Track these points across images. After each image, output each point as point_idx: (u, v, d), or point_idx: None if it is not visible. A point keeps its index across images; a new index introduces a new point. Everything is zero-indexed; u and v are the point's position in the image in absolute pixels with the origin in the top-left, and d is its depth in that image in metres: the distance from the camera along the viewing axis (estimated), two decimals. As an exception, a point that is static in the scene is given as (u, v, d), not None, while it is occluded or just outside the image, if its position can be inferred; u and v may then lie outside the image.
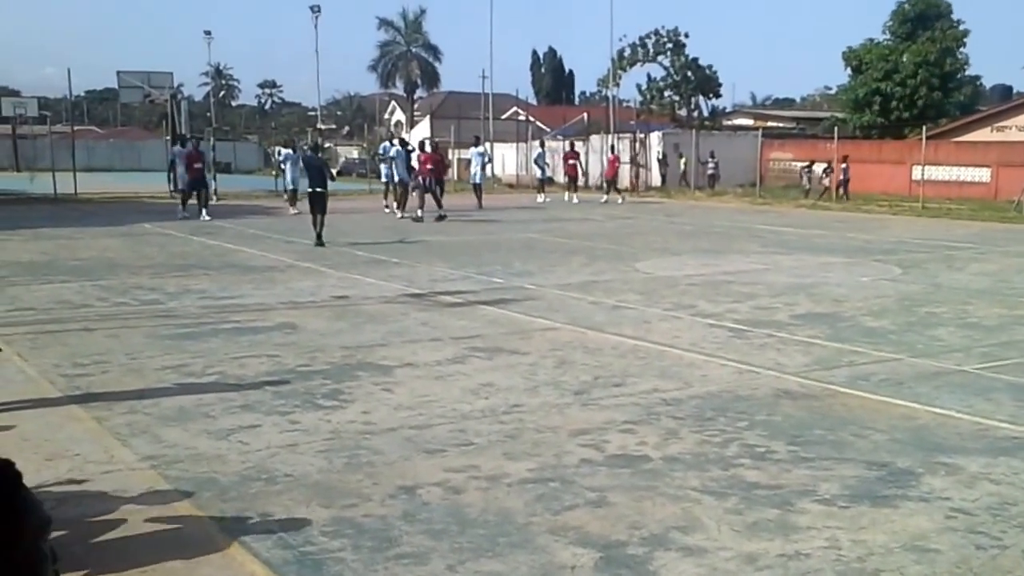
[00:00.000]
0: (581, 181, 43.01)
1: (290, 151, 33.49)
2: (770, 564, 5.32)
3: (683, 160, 48.31)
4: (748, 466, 6.99)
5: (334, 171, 27.34)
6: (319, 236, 22.14)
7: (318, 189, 22.54)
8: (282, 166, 34.25)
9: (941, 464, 7.01)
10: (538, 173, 40.75)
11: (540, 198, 39.01)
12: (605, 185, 40.84)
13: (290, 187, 32.80)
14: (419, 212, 28.60)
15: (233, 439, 7.60)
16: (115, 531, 5.78)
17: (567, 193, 39.81)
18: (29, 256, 19.74)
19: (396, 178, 31.66)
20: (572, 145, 43.07)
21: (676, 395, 9.00)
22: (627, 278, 17.18)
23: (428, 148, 31.27)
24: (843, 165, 40.15)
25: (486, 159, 37.83)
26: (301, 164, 28.73)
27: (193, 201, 30.03)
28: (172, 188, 33.87)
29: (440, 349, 10.98)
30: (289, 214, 30.74)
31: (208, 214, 28.97)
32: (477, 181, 36.60)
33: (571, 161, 40.23)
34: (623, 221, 30.37)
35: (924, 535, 5.72)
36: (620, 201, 38.70)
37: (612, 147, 42.28)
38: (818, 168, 41.81)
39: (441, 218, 28.47)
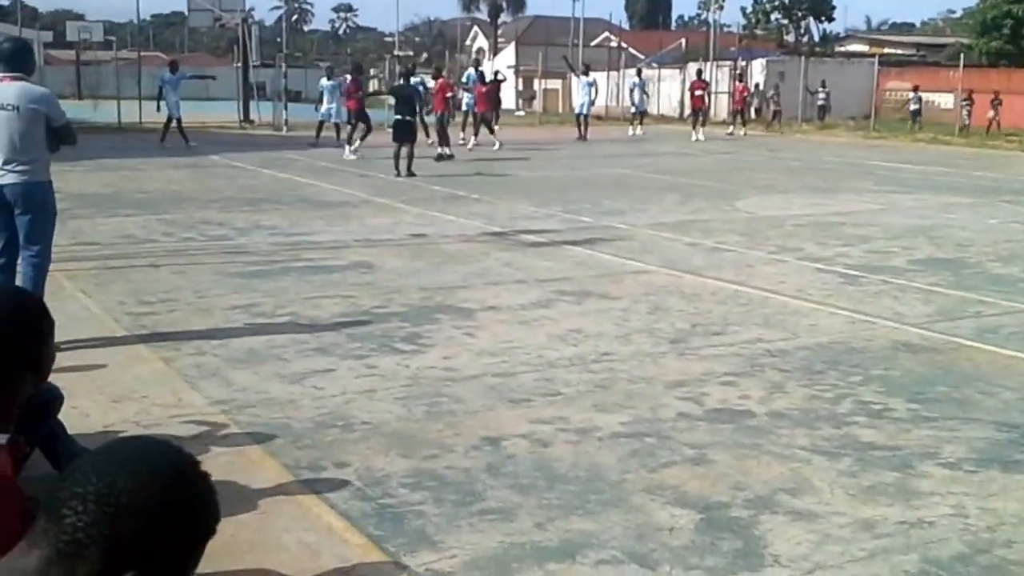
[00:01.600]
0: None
1: (326, 79, 32.48)
2: (889, 532, 5.17)
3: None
4: (863, 424, 6.83)
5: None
6: (409, 168, 22.49)
7: (407, 118, 22.85)
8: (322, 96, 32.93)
9: (1080, 426, 6.80)
10: (633, 104, 40.32)
11: (632, 131, 38.72)
12: (731, 117, 40.77)
13: (322, 118, 32.21)
14: (444, 149, 27.39)
15: (307, 383, 7.61)
16: (182, 480, 5.78)
17: (693, 130, 37.60)
18: (92, 188, 19.94)
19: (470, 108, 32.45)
20: (700, 73, 40.63)
21: (782, 346, 8.84)
22: (727, 218, 16.95)
23: (443, 76, 31.10)
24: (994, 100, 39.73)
25: (595, 90, 37.50)
26: (339, 93, 29.27)
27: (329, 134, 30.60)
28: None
29: (524, 292, 10.91)
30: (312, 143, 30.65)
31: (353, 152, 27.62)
32: (584, 112, 36.47)
33: (698, 92, 38.15)
34: (723, 156, 29.99)
35: (1061, 504, 5.54)
36: (744, 134, 38.53)
37: (740, 75, 41.79)
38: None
39: (442, 157, 26.83)
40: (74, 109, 25.40)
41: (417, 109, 23.65)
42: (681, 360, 8.39)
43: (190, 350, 8.46)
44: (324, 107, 32.16)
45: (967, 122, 40.11)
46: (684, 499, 5.55)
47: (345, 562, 4.82)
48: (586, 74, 37.37)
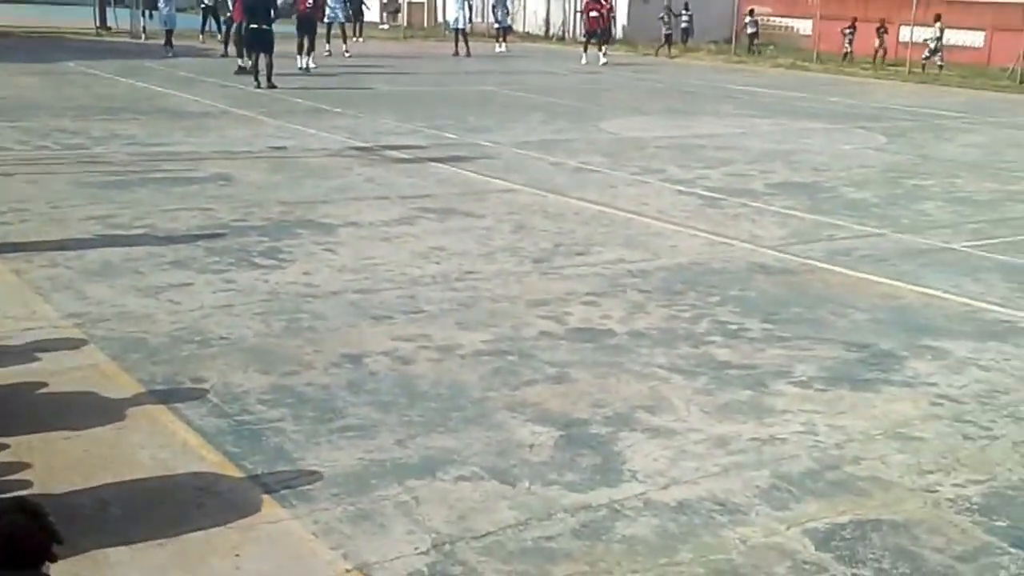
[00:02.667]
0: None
1: None
2: (743, 448, 5.30)
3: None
4: (719, 344, 6.96)
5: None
6: (269, 78, 21.86)
7: (263, 26, 21.95)
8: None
9: (926, 347, 7.02)
10: (496, 20, 39.90)
11: (498, 47, 38.39)
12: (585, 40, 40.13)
13: (164, 26, 30.64)
14: (242, 61, 25.30)
15: (163, 297, 7.48)
16: (36, 393, 5.68)
17: (585, 51, 34.77)
18: (-66, 93, 19.19)
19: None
20: None
21: (643, 266, 8.94)
22: (592, 138, 17.00)
23: None
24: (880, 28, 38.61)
25: (468, 3, 36.69)
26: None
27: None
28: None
29: (387, 208, 10.83)
30: (167, 56, 29.22)
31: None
32: (460, 26, 35.53)
33: (593, 12, 34.25)
34: (587, 76, 30.00)
35: (907, 422, 5.72)
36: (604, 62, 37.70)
37: None
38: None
39: (242, 70, 24.55)
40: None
41: (273, 17, 22.66)
42: (544, 279, 8.43)
43: (43, 262, 8.24)
44: (164, 11, 30.46)
45: (849, 49, 39.07)
46: (545, 416, 5.60)
47: (200, 479, 4.75)
48: None
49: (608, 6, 34.75)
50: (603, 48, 33.97)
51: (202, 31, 34.98)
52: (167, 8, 30.25)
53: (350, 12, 34.84)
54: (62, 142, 14.35)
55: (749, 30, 41.81)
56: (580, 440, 5.32)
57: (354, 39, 35.11)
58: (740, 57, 40.08)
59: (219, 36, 31.52)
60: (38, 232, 9.27)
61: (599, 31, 34.33)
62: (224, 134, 15.69)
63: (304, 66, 26.15)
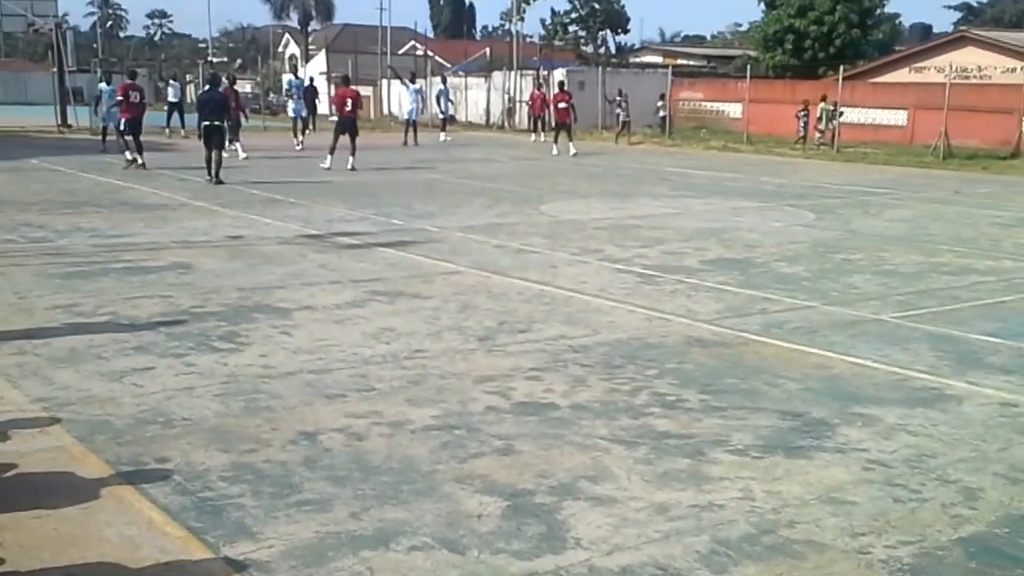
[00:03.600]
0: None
1: (104, 84, 31.16)
2: (682, 515, 5.41)
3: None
4: (658, 415, 7.09)
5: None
6: (217, 174, 22.11)
7: (216, 123, 22.42)
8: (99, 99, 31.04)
9: (857, 415, 7.18)
10: (440, 111, 40.45)
11: (442, 137, 38.85)
12: (532, 124, 40.73)
13: (101, 122, 30.94)
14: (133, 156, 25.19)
15: (127, 381, 7.55)
16: (5, 475, 5.70)
17: (556, 143, 34.08)
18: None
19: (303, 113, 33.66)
20: (561, 85, 36.83)
21: (584, 342, 9.07)
22: (532, 221, 17.23)
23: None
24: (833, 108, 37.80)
25: (421, 97, 37.54)
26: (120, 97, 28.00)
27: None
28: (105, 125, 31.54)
29: (339, 292, 10.94)
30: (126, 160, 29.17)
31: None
32: (413, 118, 36.34)
33: (562, 104, 33.99)
34: (528, 162, 30.39)
35: (840, 487, 5.85)
36: (543, 140, 38.67)
37: (562, 84, 39.85)
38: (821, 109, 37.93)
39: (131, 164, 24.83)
40: None
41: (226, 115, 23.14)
42: (489, 356, 8.54)
43: (11, 350, 8.31)
44: (104, 110, 30.12)
45: (803, 134, 38.44)
46: (492, 487, 5.69)
47: (165, 553, 4.80)
48: (413, 82, 37.72)
49: (571, 97, 34.94)
50: (571, 138, 33.56)
51: (167, 125, 36.03)
52: (106, 106, 30.26)
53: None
54: (27, 235, 14.47)
55: (661, 114, 43.24)
56: (526, 509, 5.42)
57: (309, 132, 35.56)
58: (674, 141, 40.70)
59: (182, 131, 32.20)
60: (6, 321, 9.33)
61: (568, 122, 33.83)
62: (183, 224, 15.80)
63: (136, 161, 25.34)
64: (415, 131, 36.07)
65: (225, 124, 22.83)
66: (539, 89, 42.33)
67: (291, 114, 35.25)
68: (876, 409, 7.31)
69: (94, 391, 7.29)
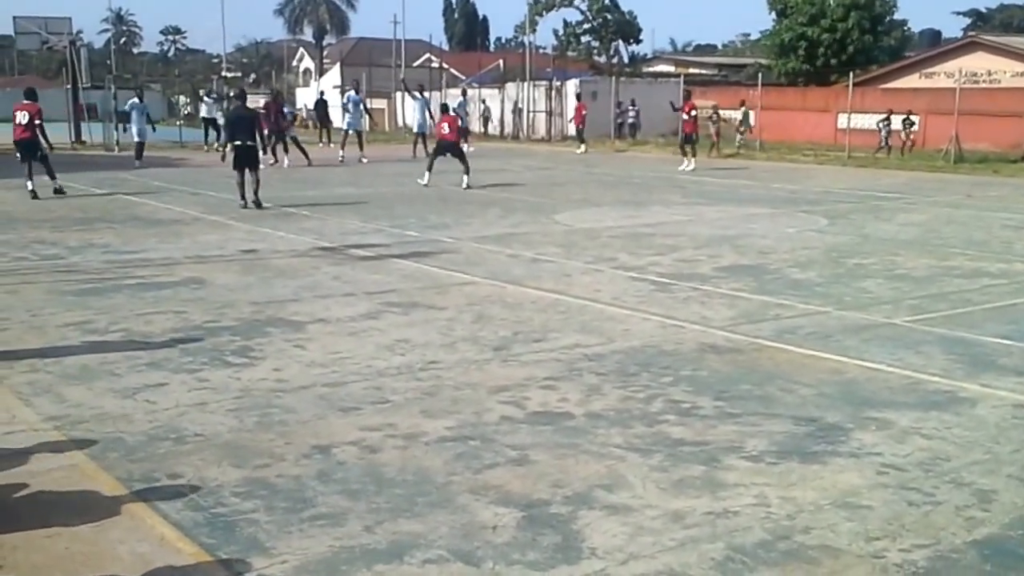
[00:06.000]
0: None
1: (136, 100, 31.74)
2: (697, 522, 5.34)
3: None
4: (673, 422, 7.03)
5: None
6: (256, 196, 20.01)
7: (248, 143, 20.19)
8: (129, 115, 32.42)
9: (871, 419, 7.10)
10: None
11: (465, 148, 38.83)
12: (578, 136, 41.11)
13: (136, 139, 31.44)
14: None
15: (139, 398, 7.50)
16: (18, 494, 5.66)
17: (691, 158, 31.78)
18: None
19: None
20: (689, 94, 34.28)
21: (598, 350, 9.01)
22: (546, 230, 17.18)
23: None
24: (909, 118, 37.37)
25: (429, 109, 37.37)
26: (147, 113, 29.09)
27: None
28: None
29: (353, 304, 10.89)
30: (135, 167, 29.68)
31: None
32: (424, 131, 35.87)
33: (690, 114, 31.57)
34: (541, 172, 30.36)
35: (855, 491, 5.78)
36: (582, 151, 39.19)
37: (578, 95, 41.13)
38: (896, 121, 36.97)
39: (58, 191, 22.93)
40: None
41: (257, 133, 20.83)
42: (504, 366, 8.49)
43: (23, 368, 8.26)
44: (135, 128, 31.46)
45: (886, 143, 37.31)
46: (507, 498, 5.64)
47: (178, 571, 4.76)
48: (421, 93, 37.33)
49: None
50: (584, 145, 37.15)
51: (205, 142, 36.58)
52: (138, 123, 30.91)
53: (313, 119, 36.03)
54: (40, 252, 14.43)
55: (620, 120, 45.58)
56: (541, 520, 5.36)
57: (321, 144, 35.66)
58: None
59: (217, 146, 32.53)
60: (19, 340, 9.29)
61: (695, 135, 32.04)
62: (196, 239, 15.77)
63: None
64: (424, 143, 35.83)
65: (258, 143, 20.84)
66: (579, 99, 42.40)
67: (345, 127, 35.26)
68: (890, 413, 7.24)
69: (107, 408, 7.25)
